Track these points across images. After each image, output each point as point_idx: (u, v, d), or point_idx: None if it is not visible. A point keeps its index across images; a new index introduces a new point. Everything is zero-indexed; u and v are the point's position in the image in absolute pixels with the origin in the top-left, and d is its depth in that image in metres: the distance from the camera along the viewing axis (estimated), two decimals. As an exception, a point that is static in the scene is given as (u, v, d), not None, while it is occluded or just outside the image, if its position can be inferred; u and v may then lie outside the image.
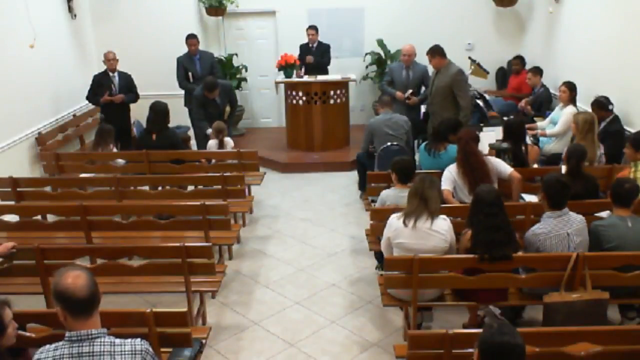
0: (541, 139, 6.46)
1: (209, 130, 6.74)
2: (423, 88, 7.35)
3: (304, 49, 8.64)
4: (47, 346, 2.34)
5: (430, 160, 5.33)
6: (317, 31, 8.56)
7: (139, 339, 2.40)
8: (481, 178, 4.53)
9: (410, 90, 7.22)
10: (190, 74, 7.76)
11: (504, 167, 4.78)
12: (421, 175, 4.05)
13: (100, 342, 2.31)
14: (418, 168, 5.57)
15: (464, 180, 4.70)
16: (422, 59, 6.97)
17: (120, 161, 6.11)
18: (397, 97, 7.20)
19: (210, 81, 6.86)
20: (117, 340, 2.35)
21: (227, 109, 7.35)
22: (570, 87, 6.35)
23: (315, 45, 8.58)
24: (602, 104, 5.82)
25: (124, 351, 2.32)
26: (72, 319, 2.30)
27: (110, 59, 7.14)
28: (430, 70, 6.82)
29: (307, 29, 8.60)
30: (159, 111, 6.12)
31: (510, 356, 2.19)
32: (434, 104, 6.45)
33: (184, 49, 7.61)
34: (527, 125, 5.89)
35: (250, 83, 9.58)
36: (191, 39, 7.68)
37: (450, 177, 4.78)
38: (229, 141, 6.60)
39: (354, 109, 9.12)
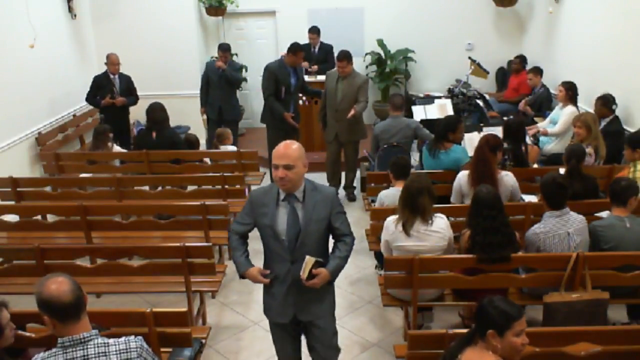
0: (541, 139, 6.44)
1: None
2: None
3: (306, 50, 8.59)
4: (42, 354, 2.32)
5: (431, 160, 5.30)
6: (318, 34, 8.40)
7: (132, 336, 2.39)
8: None
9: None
10: (283, 88, 6.54)
11: (517, 194, 4.57)
12: (407, 183, 3.89)
13: (94, 344, 2.29)
14: (419, 168, 5.57)
15: (469, 187, 4.48)
16: (423, 57, 7.01)
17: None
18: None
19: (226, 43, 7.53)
20: (111, 340, 2.34)
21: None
22: (567, 87, 6.29)
23: (317, 47, 8.52)
24: (606, 101, 5.80)
25: (119, 350, 2.31)
26: (61, 325, 2.28)
27: (115, 63, 7.10)
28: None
29: (308, 32, 8.51)
30: (157, 109, 6.09)
31: None
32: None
33: (183, 49, 7.54)
34: (527, 128, 5.88)
35: (250, 83, 9.53)
36: (299, 51, 6.49)
37: (457, 188, 4.63)
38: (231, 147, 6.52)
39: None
